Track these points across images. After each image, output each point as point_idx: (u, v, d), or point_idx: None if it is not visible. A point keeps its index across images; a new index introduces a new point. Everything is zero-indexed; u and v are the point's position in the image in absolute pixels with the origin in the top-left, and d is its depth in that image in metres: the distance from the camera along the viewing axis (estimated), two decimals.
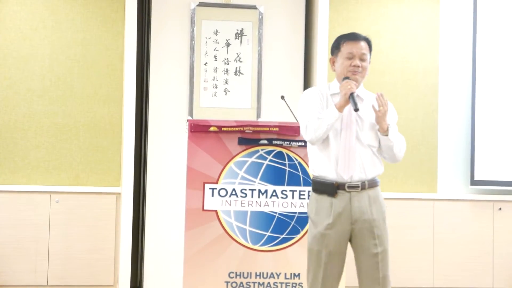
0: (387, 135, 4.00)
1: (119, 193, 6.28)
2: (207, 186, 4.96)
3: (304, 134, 4.07)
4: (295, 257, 4.98)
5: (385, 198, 6.65)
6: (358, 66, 4.08)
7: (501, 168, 6.70)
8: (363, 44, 4.14)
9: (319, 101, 4.12)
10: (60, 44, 6.32)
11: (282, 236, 4.99)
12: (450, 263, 6.65)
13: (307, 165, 5.00)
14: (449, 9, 6.82)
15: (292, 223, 5.01)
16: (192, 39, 6.33)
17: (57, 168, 6.28)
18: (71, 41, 6.34)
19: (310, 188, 5.00)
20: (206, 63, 6.35)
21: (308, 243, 4.11)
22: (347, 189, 4.02)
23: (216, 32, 6.36)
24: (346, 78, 4.05)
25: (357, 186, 4.02)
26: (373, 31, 6.71)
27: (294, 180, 5.02)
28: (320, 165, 4.10)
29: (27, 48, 6.27)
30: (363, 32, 6.65)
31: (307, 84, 6.56)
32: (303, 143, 4.98)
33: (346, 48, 4.12)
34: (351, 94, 3.93)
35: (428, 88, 6.75)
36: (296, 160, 5.02)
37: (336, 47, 4.17)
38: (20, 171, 6.23)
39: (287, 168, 5.02)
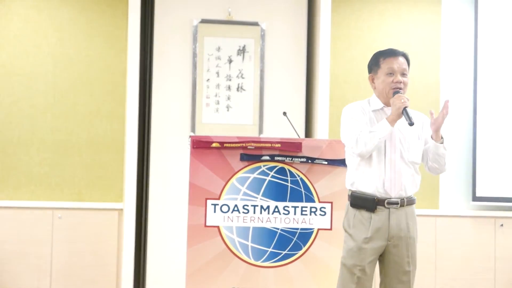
0: (442, 143, 4.11)
1: (122, 209, 6.29)
2: (209, 202, 4.96)
3: (355, 147, 4.06)
4: (297, 273, 4.98)
5: None
6: (401, 82, 4.08)
7: (502, 185, 6.70)
8: (402, 59, 4.13)
9: (362, 115, 4.15)
10: (63, 61, 6.35)
11: (284, 252, 4.99)
12: (452, 279, 6.64)
13: (309, 181, 5.01)
14: (450, 26, 6.85)
15: (294, 239, 5.01)
16: (194, 55, 6.36)
17: (59, 184, 6.29)
18: (74, 58, 6.37)
19: (313, 205, 5.01)
20: (209, 79, 6.38)
21: (342, 257, 4.16)
22: (386, 205, 4.06)
23: (218, 49, 6.39)
24: (397, 92, 4.05)
25: (396, 203, 4.07)
26: (374, 48, 6.69)
27: (296, 196, 5.02)
28: (361, 180, 4.12)
29: (30, 65, 6.30)
30: (364, 48, 6.73)
31: (309, 100, 6.58)
32: (305, 159, 4.99)
33: (386, 64, 4.11)
34: (404, 109, 3.95)
35: (429, 105, 6.76)
36: (298, 176, 5.03)
37: (375, 64, 4.18)
38: (23, 187, 6.24)
39: (289, 184, 5.02)
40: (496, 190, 6.70)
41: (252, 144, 4.95)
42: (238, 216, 4.98)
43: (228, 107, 6.39)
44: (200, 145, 4.96)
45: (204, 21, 6.38)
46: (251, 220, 4.98)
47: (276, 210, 5.00)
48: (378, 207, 4.07)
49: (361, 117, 4.14)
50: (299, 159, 5.00)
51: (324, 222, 5.03)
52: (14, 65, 6.28)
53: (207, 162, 4.95)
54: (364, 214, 4.10)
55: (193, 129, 6.30)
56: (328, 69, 6.44)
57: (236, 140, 4.98)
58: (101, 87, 6.40)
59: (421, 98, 6.75)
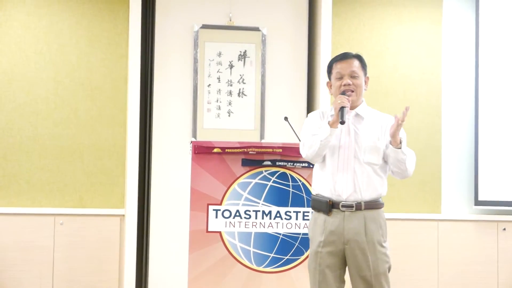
0: (400, 148, 4.00)
1: (123, 215, 6.29)
2: (211, 207, 4.96)
3: (302, 151, 4.12)
4: (299, 279, 4.97)
5: (389, 219, 6.65)
6: (350, 84, 4.09)
7: (505, 189, 6.68)
8: (352, 62, 4.14)
9: (319, 120, 4.15)
10: (64, 67, 6.35)
11: (286, 257, 4.98)
12: (455, 284, 6.63)
13: (311, 186, 5.01)
14: (451, 29, 6.85)
15: (296, 244, 5.01)
16: (195, 61, 6.36)
17: (61, 190, 6.29)
18: (76, 64, 6.37)
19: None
20: (210, 84, 6.38)
21: (307, 260, 4.18)
22: (341, 208, 4.02)
23: (219, 54, 6.39)
24: (343, 93, 4.07)
25: (351, 206, 4.01)
26: (376, 52, 6.74)
27: (298, 201, 5.02)
28: (317, 183, 4.14)
29: (32, 71, 6.30)
30: (365, 53, 6.69)
31: (310, 105, 6.58)
32: (306, 164, 4.99)
33: (335, 69, 4.15)
34: (341, 108, 3.95)
35: (431, 108, 6.76)
36: (300, 181, 5.03)
37: (329, 71, 4.22)
38: (24, 193, 6.24)
39: (290, 189, 5.02)
40: (498, 194, 6.68)
41: (254, 149, 4.96)
42: (240, 222, 4.97)
43: (229, 112, 6.39)
44: (202, 151, 4.96)
45: (205, 26, 6.38)
46: (253, 225, 4.98)
47: (278, 215, 5.00)
48: (333, 210, 4.04)
49: (317, 122, 4.15)
50: (301, 164, 5.00)
51: None
52: (15, 72, 6.28)
53: (208, 167, 4.95)
54: (321, 217, 4.09)
55: (194, 134, 6.30)
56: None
57: (238, 145, 4.98)
58: (103, 93, 6.39)
59: (423, 102, 6.75)
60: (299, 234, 5.01)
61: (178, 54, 6.38)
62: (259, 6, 6.49)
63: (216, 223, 4.96)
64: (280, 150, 4.99)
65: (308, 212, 5.01)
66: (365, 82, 4.20)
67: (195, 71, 6.35)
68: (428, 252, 6.62)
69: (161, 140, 6.32)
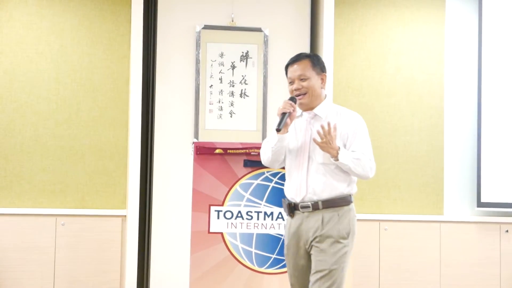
0: (336, 160, 3.93)
1: (125, 215, 6.28)
2: (212, 208, 4.96)
3: (260, 157, 4.19)
4: None
5: (391, 220, 6.70)
6: (299, 88, 4.06)
7: (507, 190, 6.67)
8: (301, 64, 4.09)
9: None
10: (66, 68, 6.35)
11: None
12: (457, 286, 6.61)
13: None
14: (454, 30, 6.84)
15: None
16: (197, 61, 6.35)
17: (63, 191, 6.28)
18: (77, 65, 6.37)
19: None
20: (212, 85, 6.37)
21: None
22: (300, 210, 4.03)
23: (222, 55, 6.38)
24: (292, 97, 4.07)
25: (307, 207, 4.00)
26: (378, 53, 6.73)
27: None
28: (285, 187, 4.16)
29: (33, 72, 6.30)
30: (368, 53, 6.72)
31: None
32: None
33: (287, 74, 4.15)
34: (283, 114, 3.95)
35: (433, 109, 6.75)
36: None
37: (286, 75, 4.20)
38: (26, 194, 6.23)
39: None
40: (501, 196, 6.67)
41: (256, 150, 4.95)
42: (241, 223, 4.97)
43: (231, 113, 6.38)
44: (204, 151, 4.96)
45: (207, 27, 6.38)
46: (254, 226, 4.98)
47: (280, 216, 5.00)
48: (295, 212, 4.06)
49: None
50: None
51: None
52: (17, 72, 6.28)
53: (210, 168, 4.95)
54: (288, 219, 4.14)
55: (196, 135, 6.29)
56: (332, 74, 6.43)
57: (240, 146, 4.98)
58: (104, 93, 6.39)
59: (425, 103, 6.74)
60: None
61: (180, 54, 6.37)
62: (261, 6, 6.49)
63: (217, 224, 4.96)
64: None
65: None
66: (322, 80, 4.13)
67: (197, 72, 6.35)
68: (430, 253, 6.61)
69: (163, 141, 6.31)
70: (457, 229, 6.68)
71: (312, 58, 4.14)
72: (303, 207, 4.01)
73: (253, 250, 4.96)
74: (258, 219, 4.98)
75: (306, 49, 6.53)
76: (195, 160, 4.95)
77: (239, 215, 4.96)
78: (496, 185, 6.68)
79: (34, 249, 6.19)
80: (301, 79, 4.06)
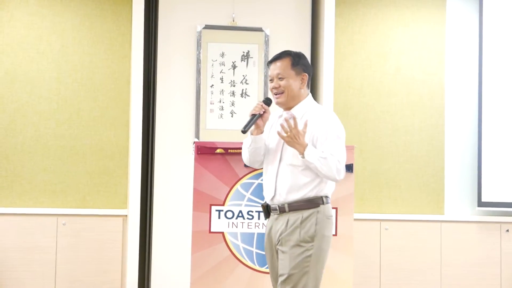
0: (303, 157, 3.84)
1: (126, 215, 6.28)
2: (213, 208, 4.96)
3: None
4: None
5: (392, 220, 6.70)
6: (277, 87, 4.01)
7: (508, 190, 6.67)
8: (280, 63, 4.03)
9: (268, 123, 4.08)
10: (67, 68, 6.35)
11: None
12: (458, 285, 6.61)
13: None
14: (455, 30, 6.84)
15: None
16: (198, 61, 6.35)
17: (64, 191, 6.28)
18: (78, 64, 6.37)
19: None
20: (213, 85, 6.37)
21: None
22: (272, 212, 4.03)
23: (222, 55, 6.38)
24: (267, 98, 4.07)
25: (275, 209, 3.99)
26: (379, 53, 6.73)
27: None
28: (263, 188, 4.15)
29: (34, 72, 6.30)
30: (368, 53, 6.71)
31: None
32: None
33: (269, 71, 4.11)
34: (253, 115, 3.96)
35: (434, 109, 6.75)
36: None
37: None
38: (27, 194, 6.23)
39: None
40: (501, 196, 6.67)
41: None
42: (242, 222, 4.97)
43: (232, 112, 6.38)
44: (204, 151, 4.96)
45: (208, 26, 6.38)
46: (255, 226, 4.98)
47: None
48: (270, 214, 4.06)
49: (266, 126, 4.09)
50: None
51: None
52: (18, 72, 6.28)
53: (211, 168, 4.95)
54: (266, 221, 4.15)
55: (197, 135, 6.30)
56: (333, 74, 6.43)
57: (241, 146, 4.97)
58: (105, 93, 6.39)
59: (426, 103, 6.74)
60: None
61: (181, 54, 6.38)
62: (262, 6, 6.49)
63: (218, 224, 4.96)
64: None
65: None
66: (302, 80, 4.04)
67: (198, 72, 6.35)
68: (431, 253, 6.61)
69: (164, 141, 6.32)
70: (458, 228, 6.68)
71: (293, 57, 4.05)
72: (272, 210, 4.01)
73: (254, 249, 4.96)
74: (259, 218, 4.98)
75: (307, 49, 6.53)
76: (196, 159, 4.96)
77: (240, 214, 4.96)
78: (497, 185, 6.68)
79: (35, 249, 6.19)
80: (279, 78, 4.01)
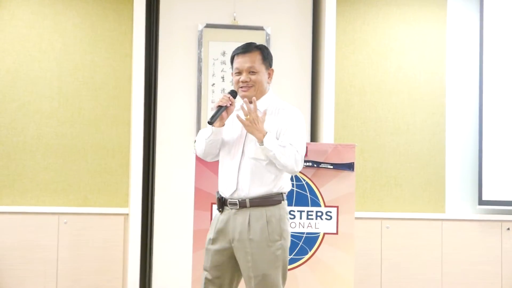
0: (262, 145, 3.78)
1: (127, 214, 6.29)
2: (214, 206, 4.95)
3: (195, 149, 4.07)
4: (304, 278, 4.97)
5: (393, 219, 6.70)
6: (246, 81, 3.94)
7: (509, 188, 6.68)
8: (252, 56, 3.96)
9: (230, 119, 3.98)
10: (68, 66, 6.36)
11: (290, 257, 4.98)
12: (459, 283, 6.62)
13: (315, 185, 5.01)
14: (456, 29, 6.84)
15: (300, 243, 5.01)
16: (199, 60, 6.36)
17: (65, 190, 6.29)
18: (80, 63, 6.37)
19: (318, 209, 5.00)
20: (214, 84, 6.38)
21: None
22: (228, 206, 3.91)
23: (224, 53, 6.38)
24: (233, 91, 3.98)
25: (235, 204, 3.88)
26: (380, 52, 6.73)
27: (302, 201, 5.02)
28: (218, 181, 4.02)
29: (35, 70, 6.31)
30: (370, 52, 6.72)
31: (313, 105, 6.58)
32: (310, 164, 4.99)
33: (235, 63, 4.00)
34: (219, 107, 3.85)
35: (435, 108, 6.75)
36: (304, 180, 5.02)
37: (231, 64, 4.07)
38: (28, 192, 6.24)
39: (295, 189, 5.02)
40: (502, 194, 6.68)
41: None
42: None
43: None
44: None
45: (209, 25, 6.38)
46: None
47: None
48: (225, 207, 3.93)
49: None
50: (305, 163, 4.99)
51: (330, 226, 5.03)
52: (19, 71, 6.29)
53: (212, 166, 4.94)
54: (216, 214, 4.00)
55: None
56: (334, 73, 6.43)
57: None
58: (107, 92, 6.40)
59: (427, 102, 6.74)
60: (303, 233, 5.01)
61: (182, 53, 6.38)
62: (263, 5, 6.49)
63: None
64: None
65: (312, 211, 5.01)
66: (269, 75, 4.03)
67: (199, 70, 6.35)
68: (432, 251, 6.62)
69: (165, 139, 6.32)
70: (459, 227, 6.68)
71: (263, 51, 4.02)
72: (230, 204, 3.89)
73: None
74: None
75: (308, 48, 6.54)
76: (197, 158, 4.95)
77: None
78: (498, 183, 6.68)
79: (37, 247, 6.19)
80: (250, 72, 3.95)
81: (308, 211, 5.02)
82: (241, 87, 3.95)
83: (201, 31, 6.36)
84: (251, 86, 3.94)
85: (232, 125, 3.97)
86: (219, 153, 4.01)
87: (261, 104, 3.96)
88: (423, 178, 6.69)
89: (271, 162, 3.84)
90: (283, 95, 6.40)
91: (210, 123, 3.84)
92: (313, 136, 6.55)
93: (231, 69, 4.08)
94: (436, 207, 6.69)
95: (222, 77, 6.38)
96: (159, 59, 6.37)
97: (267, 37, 6.42)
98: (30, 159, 6.26)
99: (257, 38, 6.40)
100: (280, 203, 3.90)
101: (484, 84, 6.73)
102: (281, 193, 3.91)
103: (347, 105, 6.64)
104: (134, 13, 6.31)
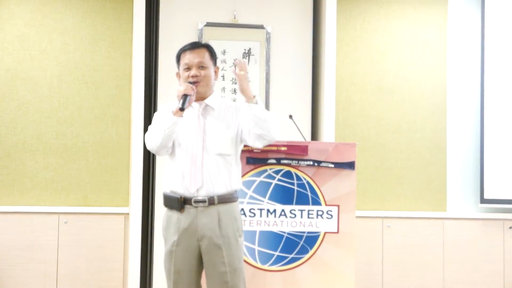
0: (256, 103, 3.88)
1: (128, 213, 6.28)
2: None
3: (147, 142, 3.98)
4: (304, 277, 4.96)
5: (395, 217, 6.69)
6: (197, 75, 4.00)
7: (510, 187, 6.66)
8: (201, 52, 4.05)
9: (169, 113, 3.98)
10: (68, 65, 6.35)
11: (291, 256, 4.97)
12: (460, 282, 6.61)
13: (316, 184, 4.99)
14: (456, 27, 6.83)
15: (301, 242, 5.00)
16: None
17: (65, 189, 6.28)
18: (80, 62, 6.36)
19: (319, 208, 4.99)
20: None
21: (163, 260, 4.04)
22: (193, 204, 3.91)
23: (224, 52, 6.37)
24: (192, 83, 3.97)
25: (203, 201, 3.90)
26: (381, 50, 6.72)
27: (302, 199, 5.01)
28: (168, 179, 4.01)
29: (35, 70, 6.30)
30: (370, 50, 6.71)
31: (314, 103, 6.56)
32: (311, 162, 4.97)
33: (184, 59, 4.05)
34: (184, 95, 3.86)
35: (436, 106, 6.74)
36: (305, 179, 5.01)
37: (177, 61, 4.11)
38: (29, 192, 6.23)
39: (295, 188, 5.01)
40: (504, 193, 6.67)
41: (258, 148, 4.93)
42: (244, 220, 4.96)
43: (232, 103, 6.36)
44: None
45: (209, 24, 6.37)
46: (257, 223, 4.97)
47: (283, 213, 4.99)
48: (186, 206, 3.93)
49: (166, 114, 3.98)
50: (305, 162, 4.99)
51: (331, 225, 5.02)
52: (19, 70, 6.28)
53: None
54: (174, 215, 3.98)
55: None
56: (334, 72, 6.42)
57: None
58: (107, 91, 6.39)
59: (428, 100, 6.73)
60: (304, 232, 5.00)
61: None
62: (263, 3, 6.48)
63: None
64: (285, 148, 4.97)
65: (313, 210, 5.00)
66: (215, 72, 4.11)
67: None
68: (433, 250, 6.61)
69: None
70: (460, 225, 6.67)
71: (209, 49, 4.11)
72: (197, 202, 3.90)
73: (256, 247, 4.95)
74: (261, 216, 4.98)
75: (309, 46, 6.53)
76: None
77: (242, 212, 4.95)
78: (499, 182, 6.67)
79: (37, 247, 6.19)
80: (200, 67, 4.02)
81: (309, 210, 5.01)
82: (190, 82, 3.97)
83: (201, 29, 6.35)
84: (201, 81, 4.00)
85: (185, 121, 3.97)
86: (171, 147, 3.99)
87: (211, 101, 4.04)
88: (424, 177, 6.67)
89: (234, 158, 3.95)
90: (284, 93, 6.41)
91: (183, 109, 3.84)
92: (314, 135, 6.54)
93: (177, 68, 4.12)
94: (437, 206, 6.68)
95: (222, 76, 6.37)
96: (159, 58, 6.37)
97: (268, 36, 6.41)
98: (30, 159, 6.25)
99: (257, 37, 6.40)
100: (237, 199, 4.04)
101: (485, 82, 6.72)
102: (236, 190, 4.02)
103: (347, 104, 6.62)
104: (134, 11, 6.31)
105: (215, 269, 3.89)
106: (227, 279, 3.88)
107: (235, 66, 3.93)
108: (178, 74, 4.13)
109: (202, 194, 3.90)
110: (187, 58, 4.03)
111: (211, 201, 3.90)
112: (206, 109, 4.03)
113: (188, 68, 4.02)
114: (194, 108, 4.02)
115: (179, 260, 3.94)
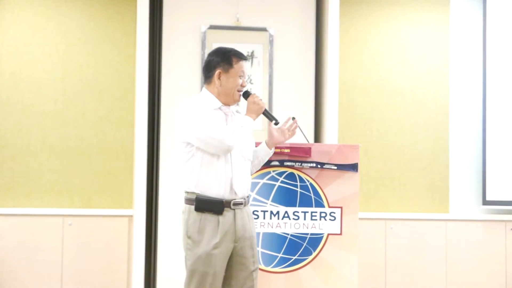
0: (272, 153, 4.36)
1: (132, 215, 6.30)
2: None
3: (228, 140, 3.92)
4: (307, 279, 4.97)
5: (397, 219, 6.71)
6: (244, 86, 4.19)
7: None
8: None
9: (212, 111, 4.07)
10: (72, 68, 6.37)
11: (294, 258, 4.98)
12: (463, 283, 6.62)
13: (319, 186, 5.00)
14: (459, 29, 6.84)
15: (304, 244, 5.01)
16: (203, 61, 6.35)
17: (69, 191, 6.30)
18: (83, 65, 6.38)
19: (322, 210, 5.00)
20: None
21: (190, 264, 4.02)
22: (232, 207, 4.02)
23: None
24: (246, 92, 4.17)
25: (241, 203, 4.06)
26: (383, 51, 6.73)
27: (306, 201, 5.02)
28: (206, 182, 4.01)
29: (39, 72, 6.32)
30: (373, 52, 6.73)
31: (317, 105, 6.58)
32: (314, 164, 4.98)
33: (239, 67, 4.12)
34: (265, 110, 4.17)
35: (439, 108, 6.75)
36: (308, 181, 5.02)
37: (227, 62, 4.09)
38: (33, 194, 6.25)
39: (298, 189, 5.02)
40: (506, 194, 6.67)
41: None
42: None
43: (237, 112, 6.38)
44: None
45: (212, 27, 6.39)
46: (261, 225, 4.98)
47: (286, 215, 5.00)
48: (225, 209, 4.01)
49: (212, 112, 4.04)
50: (309, 164, 5.00)
51: (334, 227, 5.03)
52: (23, 73, 6.30)
53: None
54: (211, 217, 4.00)
55: None
56: (337, 74, 6.43)
57: None
58: (110, 93, 6.41)
59: (431, 102, 6.74)
60: (307, 234, 5.01)
61: (185, 54, 6.38)
62: (266, 6, 6.50)
63: None
64: (288, 150, 4.98)
65: (316, 212, 5.01)
66: None
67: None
68: (436, 252, 6.62)
69: (169, 140, 6.32)
70: (463, 227, 6.68)
71: None
72: (236, 204, 4.04)
73: (260, 249, 4.96)
74: (264, 218, 4.99)
75: (312, 49, 6.54)
76: None
77: None
78: (502, 183, 6.68)
79: (41, 249, 6.20)
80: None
81: (312, 212, 5.02)
82: (238, 91, 4.14)
83: (205, 32, 6.37)
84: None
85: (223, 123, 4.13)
86: None
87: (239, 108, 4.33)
88: (427, 178, 6.69)
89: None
90: (287, 95, 6.43)
91: (278, 122, 4.26)
92: (317, 137, 6.55)
93: (223, 63, 4.10)
94: (440, 207, 6.69)
95: None
96: (162, 61, 6.38)
97: (270, 38, 6.43)
98: (34, 161, 6.27)
99: (260, 39, 6.41)
100: None
101: (487, 83, 6.73)
102: None
103: (350, 106, 6.64)
104: (137, 14, 6.31)
105: (247, 268, 4.05)
106: (253, 276, 4.09)
107: (293, 119, 4.30)
108: (220, 73, 4.09)
109: (241, 196, 4.08)
110: (244, 67, 4.15)
111: (245, 203, 4.10)
112: (236, 115, 4.23)
113: (242, 76, 4.15)
114: (224, 113, 4.14)
115: (219, 263, 3.99)
